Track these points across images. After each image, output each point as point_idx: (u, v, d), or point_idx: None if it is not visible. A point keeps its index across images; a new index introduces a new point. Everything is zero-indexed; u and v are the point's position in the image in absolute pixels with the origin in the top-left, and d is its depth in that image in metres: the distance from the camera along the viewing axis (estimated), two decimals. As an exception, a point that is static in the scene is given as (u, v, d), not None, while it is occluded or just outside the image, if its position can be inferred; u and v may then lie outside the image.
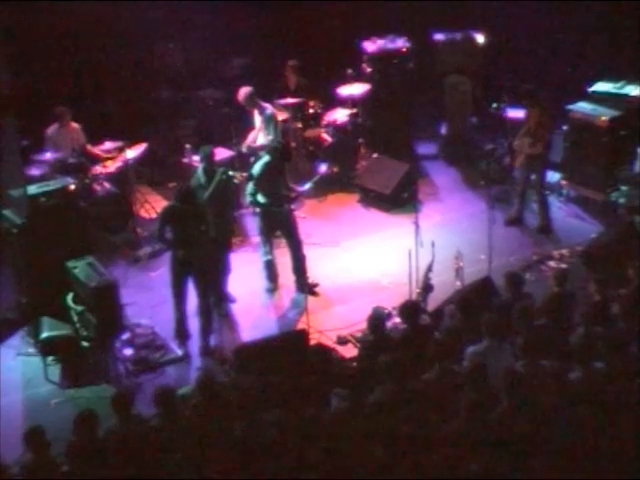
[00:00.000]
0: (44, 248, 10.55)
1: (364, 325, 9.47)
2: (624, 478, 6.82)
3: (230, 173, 11.41)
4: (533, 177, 12.48)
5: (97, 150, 12.91)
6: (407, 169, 13.38)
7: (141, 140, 13.37)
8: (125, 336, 10.44)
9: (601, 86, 13.09)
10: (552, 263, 11.61)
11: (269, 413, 7.50)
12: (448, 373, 7.85)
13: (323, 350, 9.47)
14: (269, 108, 12.78)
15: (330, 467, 6.89)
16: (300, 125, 13.80)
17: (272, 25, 15.06)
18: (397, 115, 14.32)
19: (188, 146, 12.84)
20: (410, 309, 9.00)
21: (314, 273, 11.33)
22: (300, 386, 7.94)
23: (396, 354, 8.15)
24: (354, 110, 13.97)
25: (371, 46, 14.19)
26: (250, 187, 11.20)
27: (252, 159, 12.40)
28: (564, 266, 11.34)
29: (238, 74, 14.83)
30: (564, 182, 13.10)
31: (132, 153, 12.87)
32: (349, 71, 14.08)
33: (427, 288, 10.36)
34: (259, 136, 12.80)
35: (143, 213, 13.15)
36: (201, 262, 10.33)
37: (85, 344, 10.09)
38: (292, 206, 11.48)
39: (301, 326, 10.45)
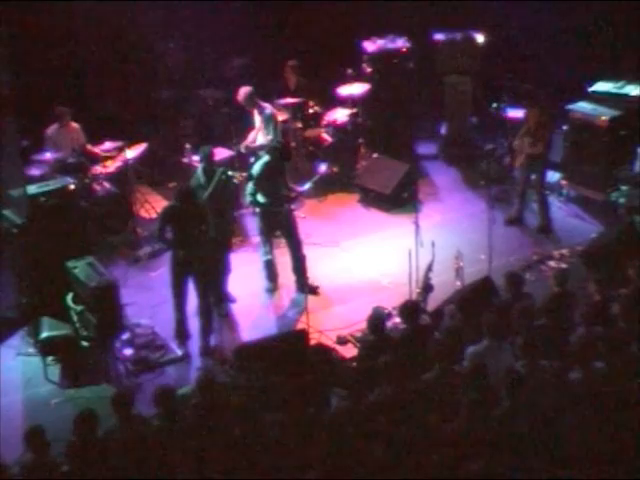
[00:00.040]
0: (44, 248, 10.55)
1: (364, 325, 9.47)
2: (624, 478, 6.82)
3: (230, 173, 11.42)
4: (533, 177, 12.48)
5: (97, 150, 12.90)
6: (407, 169, 13.39)
7: (141, 140, 13.38)
8: (125, 336, 10.44)
9: (601, 86, 13.09)
10: (552, 263, 11.62)
11: (269, 413, 7.50)
12: (448, 373, 7.85)
13: (323, 350, 9.48)
14: (269, 108, 12.78)
15: (330, 467, 6.89)
16: (300, 125, 13.80)
17: (272, 25, 15.07)
18: (397, 115, 14.33)
19: (188, 146, 12.84)
20: (410, 309, 9.00)
21: (314, 273, 11.33)
22: (300, 386, 7.93)
23: (396, 354, 8.15)
24: (354, 110, 13.97)
25: (371, 46, 14.20)
26: (250, 187, 11.20)
27: (252, 159, 12.40)
28: (564, 266, 11.35)
29: (238, 74, 14.82)
30: (564, 182, 13.11)
31: (132, 153, 12.87)
32: (349, 71, 14.09)
33: (427, 288, 10.35)
34: (259, 136, 12.81)
35: (143, 213, 13.15)
36: (201, 262, 10.33)
37: (85, 344, 10.08)
38: (292, 206, 11.48)
39: (301, 326, 10.45)
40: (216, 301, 10.75)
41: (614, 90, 12.97)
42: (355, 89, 14.03)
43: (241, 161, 12.84)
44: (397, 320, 9.80)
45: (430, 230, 11.53)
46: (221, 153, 12.63)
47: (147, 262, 12.17)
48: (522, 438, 6.97)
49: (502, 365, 7.75)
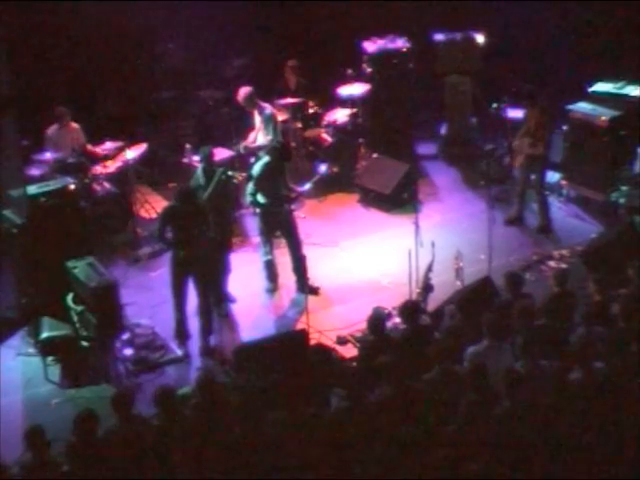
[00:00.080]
0: (44, 248, 10.55)
1: (364, 325, 9.47)
2: (625, 478, 6.82)
3: (229, 173, 11.41)
4: (533, 177, 12.48)
5: (97, 150, 12.90)
6: (407, 169, 13.38)
7: (141, 140, 13.37)
8: (125, 336, 10.43)
9: (601, 86, 13.09)
10: (552, 263, 11.61)
11: (269, 413, 7.50)
12: (448, 373, 7.85)
13: (323, 350, 9.47)
14: (268, 108, 12.78)
15: (330, 467, 6.89)
16: (300, 125, 13.80)
17: (272, 25, 15.07)
18: (397, 115, 14.32)
19: (188, 146, 12.83)
20: (410, 309, 9.00)
21: (314, 273, 11.32)
22: (300, 386, 7.93)
23: (396, 354, 8.15)
24: (354, 110, 13.97)
25: (371, 46, 14.19)
26: (250, 187, 11.20)
27: (252, 159, 12.40)
28: (564, 266, 11.34)
29: (238, 74, 14.83)
30: (564, 182, 13.10)
31: (132, 153, 12.86)
32: (349, 71, 14.08)
33: (427, 288, 10.35)
34: (259, 136, 12.81)
35: (143, 213, 13.14)
36: (201, 262, 10.33)
37: (85, 344, 10.08)
38: (292, 206, 11.48)
39: (301, 326, 10.44)
40: (216, 301, 10.75)
41: (614, 90, 12.97)
42: (355, 89, 14.03)
43: (241, 161, 12.85)
44: (397, 320, 9.80)
45: (430, 230, 11.53)
46: (221, 153, 12.62)
47: (147, 262, 12.16)
48: (522, 438, 6.97)
49: (502, 365, 7.76)
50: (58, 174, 11.72)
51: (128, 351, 10.39)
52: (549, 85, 13.61)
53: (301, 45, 14.80)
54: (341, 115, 13.92)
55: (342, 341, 10.30)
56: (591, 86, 13.12)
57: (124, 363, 10.23)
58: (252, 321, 10.98)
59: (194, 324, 10.55)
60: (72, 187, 11.01)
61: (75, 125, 12.91)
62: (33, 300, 10.70)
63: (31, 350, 10.57)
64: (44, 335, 10.16)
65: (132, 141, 13.08)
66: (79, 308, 10.07)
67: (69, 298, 10.21)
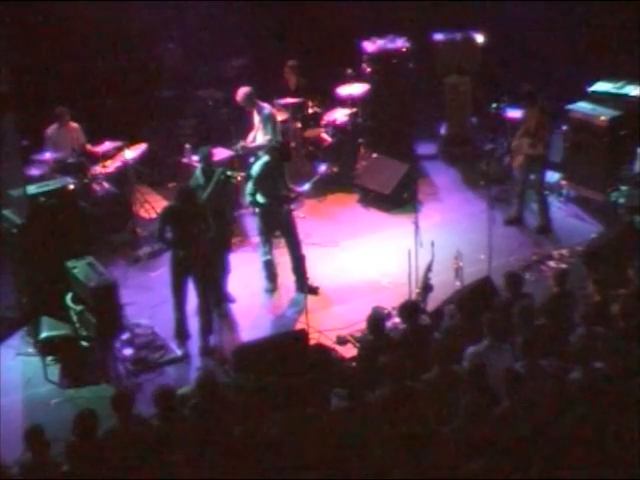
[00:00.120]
0: (44, 248, 10.54)
1: (364, 325, 9.47)
2: (625, 478, 6.82)
3: (228, 173, 11.41)
4: (532, 177, 12.48)
5: (97, 150, 12.90)
6: (407, 169, 13.38)
7: (141, 140, 13.37)
8: (125, 336, 10.43)
9: (601, 86, 13.09)
10: (552, 263, 11.61)
11: (269, 413, 7.50)
12: (448, 373, 7.85)
13: (323, 350, 9.48)
14: (267, 108, 12.77)
15: (330, 467, 6.89)
16: (300, 125, 13.80)
17: (272, 25, 15.06)
18: (397, 115, 14.31)
19: (188, 146, 12.83)
20: (410, 309, 9.00)
21: (314, 273, 11.34)
22: (300, 386, 7.93)
23: (396, 354, 8.15)
24: (354, 110, 13.97)
25: (371, 46, 14.18)
26: (249, 187, 11.20)
27: (252, 159, 12.40)
28: (564, 266, 11.34)
29: (238, 74, 14.83)
30: (564, 182, 13.10)
31: (132, 153, 12.87)
32: (349, 71, 14.08)
33: (427, 288, 10.35)
34: (257, 136, 12.81)
35: (143, 213, 13.15)
36: (201, 262, 10.33)
37: (85, 344, 10.08)
38: (291, 206, 11.48)
39: (301, 326, 10.44)
40: (216, 301, 10.75)
41: (614, 90, 12.97)
42: (355, 89, 14.02)
43: (241, 161, 12.84)
44: (397, 320, 9.79)
45: (430, 230, 11.53)
46: (221, 153, 12.62)
47: (147, 262, 12.16)
48: (522, 438, 6.97)
49: (502, 365, 7.76)
50: (58, 174, 11.72)
51: (128, 351, 10.39)
52: (549, 85, 13.61)
53: (301, 45, 14.79)
54: (341, 115, 13.92)
55: (342, 341, 10.30)
56: (591, 86, 13.12)
57: (124, 363, 10.23)
58: (252, 321, 10.98)
59: (194, 324, 10.55)
60: (72, 187, 11.00)
61: (75, 125, 12.91)
62: (33, 300, 10.69)
63: (31, 350, 10.58)
64: (44, 335, 10.17)
65: (132, 141, 13.08)
66: (79, 308, 10.07)
67: (69, 298, 10.20)
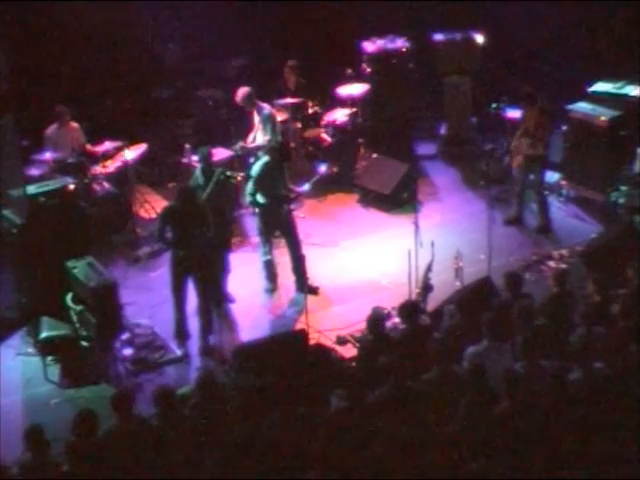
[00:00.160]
0: (44, 248, 10.55)
1: (363, 325, 9.47)
2: (624, 478, 6.82)
3: (228, 173, 11.42)
4: (532, 177, 12.48)
5: (97, 150, 12.90)
6: (407, 169, 13.38)
7: (141, 140, 13.37)
8: (125, 336, 10.43)
9: (601, 86, 13.09)
10: (552, 263, 11.61)
11: (269, 413, 7.50)
12: (448, 373, 7.85)
13: (323, 350, 9.48)
14: (266, 108, 12.77)
15: (330, 467, 6.89)
16: (300, 125, 13.80)
17: (272, 25, 15.06)
18: (397, 115, 14.32)
19: (188, 146, 12.83)
20: (410, 309, 9.00)
21: (313, 273, 11.34)
22: (300, 386, 7.93)
23: (396, 354, 8.15)
24: (354, 110, 13.97)
25: (371, 46, 14.19)
26: (249, 187, 11.20)
27: (252, 159, 12.40)
28: (564, 266, 11.34)
29: (237, 74, 14.84)
30: (564, 182, 13.10)
31: (132, 153, 12.86)
32: (349, 71, 14.08)
33: (427, 288, 10.35)
34: (257, 136, 12.81)
35: (143, 213, 13.14)
36: (201, 262, 10.33)
37: (85, 344, 10.08)
38: (291, 206, 11.48)
39: (300, 326, 10.44)
40: (216, 301, 10.74)
41: (614, 90, 12.96)
42: (355, 89, 14.03)
43: (241, 161, 12.84)
44: (397, 320, 9.79)
45: (430, 230, 11.52)
46: (221, 153, 12.62)
47: (147, 262, 12.16)
48: (522, 438, 6.97)
49: (502, 365, 7.76)
50: (58, 174, 11.71)
51: (128, 351, 10.38)
52: (549, 85, 13.61)
53: (301, 45, 14.80)
54: (341, 115, 13.92)
55: (342, 341, 10.30)
56: (591, 86, 13.12)
57: (124, 363, 10.23)
58: (252, 321, 10.98)
59: (194, 324, 10.55)
60: (72, 187, 11.01)
61: (75, 125, 12.91)
62: (33, 300, 10.70)
63: (31, 350, 10.57)
64: (44, 335, 10.16)
65: (131, 141, 13.07)
66: (79, 308, 10.07)
67: (69, 298, 10.21)
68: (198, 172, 11.16)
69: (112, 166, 12.71)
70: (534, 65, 14.30)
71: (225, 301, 11.12)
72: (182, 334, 10.54)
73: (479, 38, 14.50)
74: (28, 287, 10.79)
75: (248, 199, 11.28)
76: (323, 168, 12.72)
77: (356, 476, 6.82)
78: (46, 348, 10.20)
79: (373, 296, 11.01)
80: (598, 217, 12.52)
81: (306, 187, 11.77)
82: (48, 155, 12.34)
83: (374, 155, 13.92)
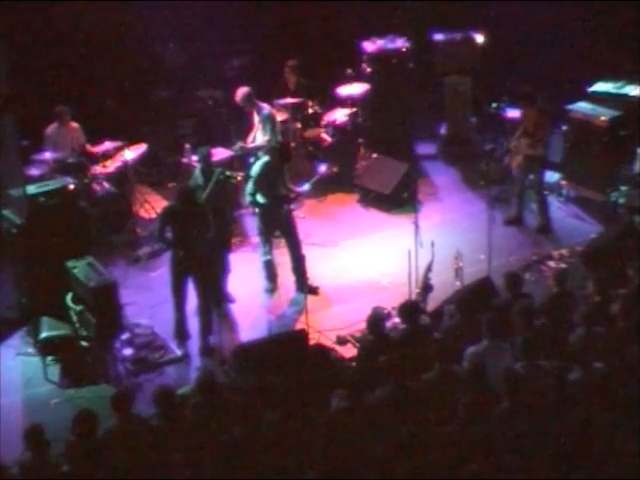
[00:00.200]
0: (44, 248, 10.54)
1: (363, 325, 9.47)
2: (624, 478, 6.83)
3: (228, 173, 11.41)
4: (531, 177, 12.48)
5: (97, 150, 12.89)
6: (407, 169, 13.38)
7: (141, 140, 13.37)
8: (125, 336, 10.43)
9: (601, 86, 13.08)
10: (552, 263, 11.61)
11: (269, 413, 7.50)
12: (448, 373, 7.85)
13: (323, 350, 9.48)
14: (266, 108, 12.77)
15: (330, 467, 6.89)
16: (300, 125, 13.80)
17: (272, 25, 15.06)
18: (397, 115, 14.31)
19: (187, 146, 12.82)
20: (410, 309, 9.00)
21: (313, 273, 11.34)
22: (300, 386, 7.93)
23: (396, 354, 8.15)
24: (354, 110, 13.97)
25: (371, 46, 14.18)
26: (250, 187, 11.20)
27: (251, 159, 12.40)
28: (564, 266, 11.34)
29: (237, 74, 14.83)
30: (564, 182, 13.10)
31: (132, 153, 12.86)
32: (349, 71, 14.08)
33: (427, 288, 10.35)
34: (257, 136, 12.81)
35: (143, 213, 13.15)
36: (201, 262, 10.33)
37: (85, 344, 10.08)
38: (291, 206, 11.48)
39: (300, 326, 10.44)
40: (216, 301, 10.75)
41: (614, 90, 12.96)
42: (355, 89, 14.02)
43: (240, 161, 12.84)
44: (397, 320, 9.79)
45: (430, 230, 11.52)
46: (221, 153, 12.62)
47: (147, 262, 12.16)
48: (522, 438, 6.97)
49: (502, 365, 7.76)
50: (58, 174, 11.71)
51: (128, 351, 10.38)
52: (549, 85, 13.60)
53: (301, 45, 14.79)
54: (341, 115, 13.91)
55: (342, 341, 10.29)
56: (591, 86, 13.12)
57: (124, 363, 10.23)
58: (251, 321, 10.97)
59: (194, 324, 10.55)
60: (72, 187, 11.01)
61: (75, 124, 12.91)
62: (33, 300, 10.69)
63: (31, 350, 10.57)
64: (44, 335, 10.16)
65: (132, 141, 13.07)
66: (79, 308, 10.07)
67: (69, 298, 10.21)
68: (198, 172, 11.16)
69: (112, 166, 12.71)
70: (534, 65, 14.28)
71: (225, 301, 11.12)
72: (182, 334, 10.54)
73: (479, 38, 14.50)
74: (28, 287, 10.79)
75: (248, 199, 11.28)
76: (323, 168, 12.72)
77: (356, 476, 6.82)
78: (46, 348, 10.20)
79: (373, 296, 11.01)
80: (598, 217, 12.52)
81: (306, 187, 11.77)
82: (48, 155, 12.34)
83: (374, 155, 13.92)
